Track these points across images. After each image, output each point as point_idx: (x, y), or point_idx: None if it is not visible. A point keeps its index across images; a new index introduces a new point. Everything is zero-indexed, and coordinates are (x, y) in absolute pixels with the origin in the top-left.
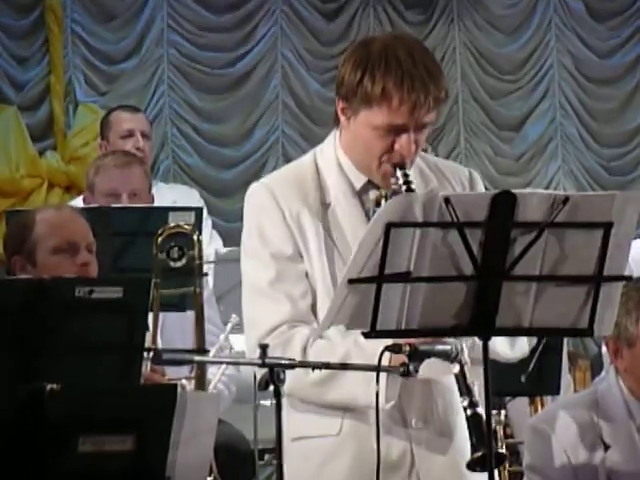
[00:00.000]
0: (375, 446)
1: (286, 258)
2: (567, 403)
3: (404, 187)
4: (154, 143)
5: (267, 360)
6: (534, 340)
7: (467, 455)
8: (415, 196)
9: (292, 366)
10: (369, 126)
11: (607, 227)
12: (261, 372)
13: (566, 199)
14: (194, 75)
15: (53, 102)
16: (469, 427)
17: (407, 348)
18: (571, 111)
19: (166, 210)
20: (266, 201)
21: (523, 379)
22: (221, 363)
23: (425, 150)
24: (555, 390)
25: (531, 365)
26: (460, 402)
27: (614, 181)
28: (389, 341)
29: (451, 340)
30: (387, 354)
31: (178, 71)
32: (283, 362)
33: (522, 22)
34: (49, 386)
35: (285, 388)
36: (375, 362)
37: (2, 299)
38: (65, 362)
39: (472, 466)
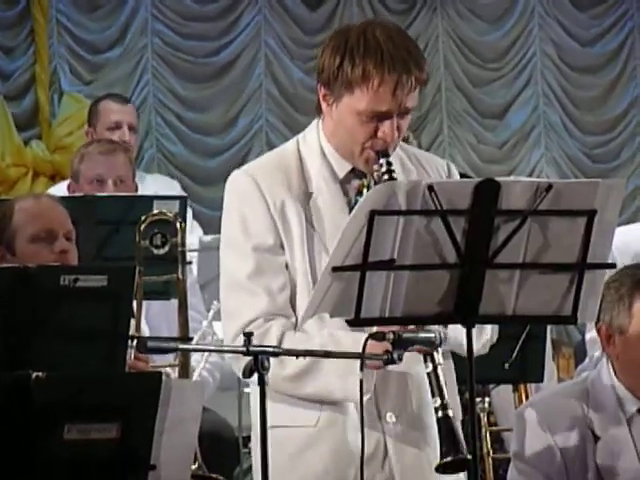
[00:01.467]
0: (350, 438)
1: (267, 250)
2: (556, 392)
3: (386, 176)
4: (139, 132)
5: (251, 348)
6: (495, 335)
7: (438, 450)
8: (399, 184)
9: (276, 354)
10: (352, 112)
11: (590, 215)
12: (245, 360)
13: (549, 187)
14: (178, 64)
15: (38, 91)
16: (439, 430)
17: (391, 336)
18: (554, 99)
19: (151, 199)
20: (249, 190)
21: (507, 366)
22: (205, 351)
23: (407, 139)
24: (539, 378)
25: (515, 353)
26: (432, 402)
27: (597, 169)
28: (362, 334)
29: (435, 328)
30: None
31: (162, 60)
32: (267, 350)
33: (505, 10)
34: (34, 374)
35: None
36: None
37: None
38: (50, 350)
39: (441, 470)
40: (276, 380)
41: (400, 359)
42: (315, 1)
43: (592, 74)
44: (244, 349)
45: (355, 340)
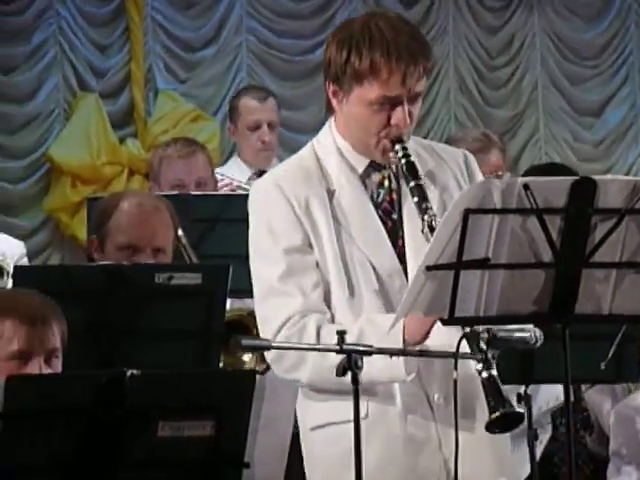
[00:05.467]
0: (402, 427)
1: (296, 250)
2: None
3: (403, 160)
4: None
5: (345, 346)
6: None
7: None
8: (494, 182)
9: (369, 352)
10: (363, 103)
11: None
12: (289, 362)
13: None
14: (273, 62)
15: (133, 90)
16: (484, 389)
17: (485, 335)
18: None
19: (246, 197)
20: (273, 195)
21: (603, 366)
22: (298, 349)
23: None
24: (634, 377)
25: (610, 352)
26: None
27: None
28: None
29: (529, 327)
30: (401, 328)
31: (257, 58)
32: (361, 348)
33: (602, 8)
34: (129, 372)
35: (304, 379)
36: (390, 339)
37: (83, 284)
38: (145, 347)
39: (490, 428)
40: (323, 373)
41: (494, 358)
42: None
43: None
44: (337, 347)
45: (391, 320)
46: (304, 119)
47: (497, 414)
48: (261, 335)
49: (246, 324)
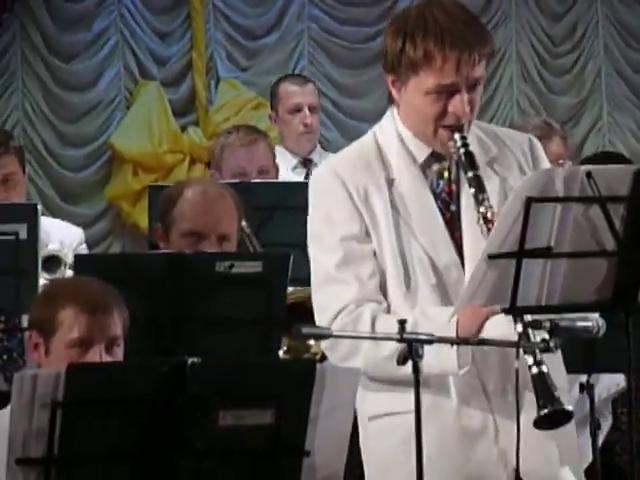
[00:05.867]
0: (457, 418)
1: (353, 239)
2: None
3: (462, 150)
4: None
5: (405, 335)
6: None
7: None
8: (556, 170)
9: (430, 341)
10: (420, 92)
11: None
12: (342, 351)
13: None
14: (334, 50)
15: (195, 78)
16: (534, 386)
17: (548, 324)
18: None
19: (305, 184)
20: (331, 183)
21: None
22: (357, 338)
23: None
24: None
25: None
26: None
27: None
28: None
29: (592, 316)
30: (454, 322)
31: (318, 46)
32: (422, 337)
33: None
34: (190, 360)
35: (356, 366)
36: (444, 332)
37: (144, 273)
38: (205, 336)
39: (539, 424)
40: (377, 362)
41: (557, 347)
42: None
43: None
44: (398, 336)
45: (446, 312)
46: (365, 107)
47: (546, 411)
48: (317, 323)
49: (309, 307)
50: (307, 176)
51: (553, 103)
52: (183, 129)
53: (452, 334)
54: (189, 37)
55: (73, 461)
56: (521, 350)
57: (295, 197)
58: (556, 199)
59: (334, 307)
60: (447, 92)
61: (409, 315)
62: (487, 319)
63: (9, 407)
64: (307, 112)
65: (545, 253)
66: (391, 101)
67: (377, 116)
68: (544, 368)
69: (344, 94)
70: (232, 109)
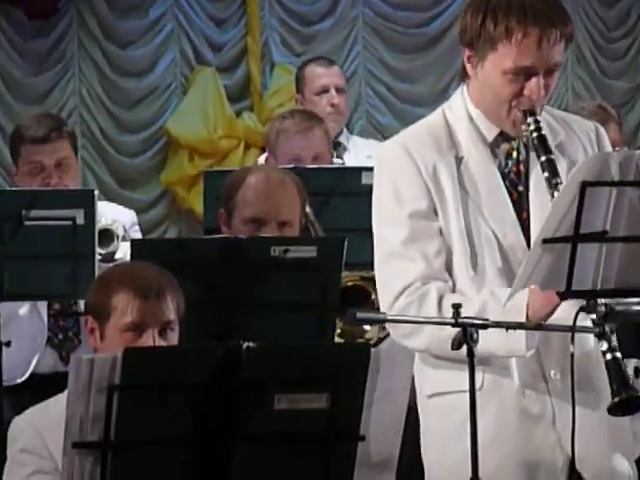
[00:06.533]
0: (517, 400)
1: (421, 216)
2: None
3: (535, 133)
4: (349, 104)
5: (460, 320)
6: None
7: (604, 404)
8: (612, 154)
9: (485, 326)
10: (497, 70)
11: None
12: (407, 327)
13: None
14: (388, 35)
15: (250, 63)
16: (608, 372)
17: (602, 309)
18: None
19: (359, 170)
20: (400, 158)
21: None
22: (412, 322)
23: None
24: None
25: None
26: (599, 347)
27: None
28: (524, 291)
29: None
30: (524, 303)
31: (372, 31)
32: (476, 322)
33: None
34: (245, 344)
35: (420, 346)
36: (513, 314)
37: (199, 258)
38: (261, 320)
39: (613, 411)
40: (440, 342)
41: (612, 332)
42: None
43: None
44: (453, 321)
45: (516, 297)
46: (420, 91)
47: (620, 398)
48: (380, 299)
49: (363, 288)
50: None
51: (608, 87)
52: (238, 114)
53: (522, 315)
54: (244, 23)
55: (129, 445)
56: (592, 336)
57: (350, 182)
58: (611, 183)
59: (399, 283)
60: (525, 74)
61: (477, 295)
62: (559, 305)
63: (66, 391)
64: (334, 92)
65: (600, 237)
66: (463, 77)
67: (431, 100)
68: (618, 354)
69: (398, 79)
70: (286, 94)
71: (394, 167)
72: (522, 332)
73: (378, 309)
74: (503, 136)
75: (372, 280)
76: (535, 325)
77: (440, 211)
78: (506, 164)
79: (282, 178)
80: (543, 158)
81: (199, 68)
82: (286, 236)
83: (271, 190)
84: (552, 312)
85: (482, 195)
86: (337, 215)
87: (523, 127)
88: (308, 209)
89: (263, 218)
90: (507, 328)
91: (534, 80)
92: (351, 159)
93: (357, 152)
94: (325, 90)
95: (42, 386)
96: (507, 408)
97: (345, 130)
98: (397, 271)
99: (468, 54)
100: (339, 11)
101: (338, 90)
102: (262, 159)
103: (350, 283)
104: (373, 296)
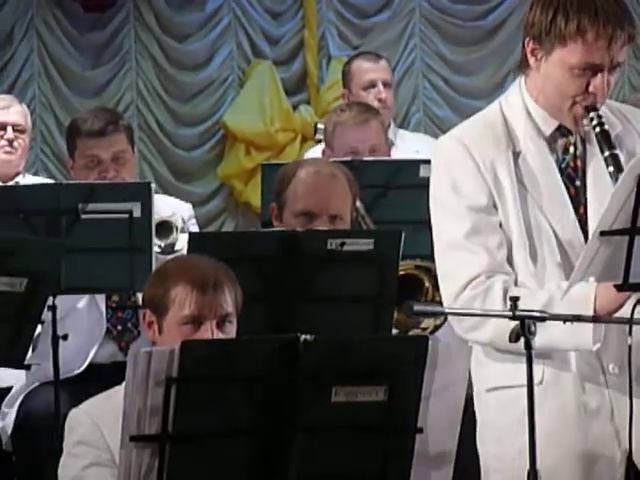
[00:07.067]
0: (577, 395)
1: (481, 210)
2: None
3: (598, 129)
4: (405, 96)
5: (518, 312)
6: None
7: None
8: None
9: (543, 319)
10: (564, 66)
11: None
12: (471, 320)
13: None
14: (445, 27)
15: (307, 56)
16: None
17: None
18: None
19: (417, 163)
20: (458, 153)
21: None
22: (472, 315)
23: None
24: None
25: None
26: None
27: None
28: (591, 284)
29: None
30: (592, 296)
31: (429, 24)
32: (534, 314)
33: None
34: (303, 337)
35: (485, 339)
36: (580, 307)
37: (256, 251)
38: (317, 313)
39: None
40: (501, 334)
41: None
42: None
43: None
44: (510, 314)
45: (584, 290)
46: (477, 84)
47: None
48: (442, 290)
49: (417, 276)
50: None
51: None
52: (295, 108)
53: (589, 308)
54: (301, 16)
55: (187, 438)
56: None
57: (407, 175)
58: None
59: (464, 276)
60: (591, 70)
61: (542, 289)
62: (629, 298)
63: (123, 384)
64: (381, 87)
65: None
66: (522, 69)
67: (488, 93)
68: None
69: (455, 71)
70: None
71: (452, 163)
72: (589, 325)
73: (433, 298)
74: (561, 130)
75: (426, 269)
76: (592, 317)
77: (499, 206)
78: (563, 159)
79: (333, 171)
80: (607, 153)
81: (256, 61)
82: (343, 229)
83: (322, 183)
84: (620, 307)
85: (540, 190)
86: (393, 208)
87: (585, 122)
88: (359, 203)
89: (314, 212)
90: (564, 321)
91: (599, 77)
92: (398, 154)
93: (405, 147)
94: (372, 85)
95: (100, 376)
96: (566, 402)
97: (392, 124)
98: (460, 263)
99: (532, 47)
100: (396, 4)
101: (385, 85)
102: (315, 151)
103: (403, 272)
104: (427, 284)
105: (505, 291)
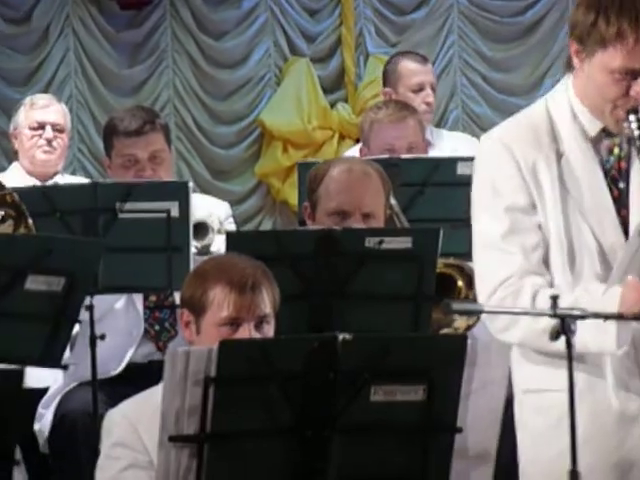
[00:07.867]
0: (611, 401)
1: (520, 210)
2: None
3: (637, 132)
4: (443, 93)
5: (558, 311)
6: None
7: None
8: None
9: (583, 316)
10: (604, 69)
11: None
12: (504, 320)
13: None
14: (483, 24)
15: (344, 54)
16: None
17: None
18: None
19: (454, 160)
20: (499, 152)
21: None
22: (511, 313)
23: None
24: None
25: None
26: None
27: None
28: (618, 287)
29: None
30: (617, 297)
31: (468, 20)
32: (574, 312)
33: None
34: (341, 336)
35: (515, 339)
36: (604, 305)
37: (294, 249)
38: (356, 311)
39: None
40: (534, 335)
41: None
42: None
43: None
44: (551, 312)
45: (610, 293)
46: (515, 81)
47: None
48: (477, 290)
49: (450, 275)
50: None
51: None
52: (332, 105)
53: (613, 309)
54: (338, 13)
55: (226, 438)
56: None
57: (444, 173)
58: None
59: (496, 277)
60: (632, 74)
61: (571, 291)
62: None
63: (160, 384)
64: (429, 91)
65: None
66: (569, 69)
67: (527, 90)
68: None
69: (494, 68)
70: (381, 85)
71: (492, 163)
72: (613, 329)
73: (466, 297)
74: (605, 132)
75: (458, 267)
76: (634, 316)
77: (539, 206)
78: (607, 160)
79: (365, 169)
80: None
81: (293, 59)
82: (381, 227)
83: (354, 181)
84: None
85: (582, 192)
86: (431, 206)
87: (625, 124)
88: (393, 201)
89: (347, 210)
90: (606, 318)
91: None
92: (435, 153)
93: (442, 146)
94: (421, 88)
95: (137, 376)
96: (602, 408)
97: (429, 125)
98: (495, 264)
99: (576, 48)
100: (433, 0)
101: (432, 89)
102: (354, 150)
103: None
104: (460, 283)
105: (535, 294)
